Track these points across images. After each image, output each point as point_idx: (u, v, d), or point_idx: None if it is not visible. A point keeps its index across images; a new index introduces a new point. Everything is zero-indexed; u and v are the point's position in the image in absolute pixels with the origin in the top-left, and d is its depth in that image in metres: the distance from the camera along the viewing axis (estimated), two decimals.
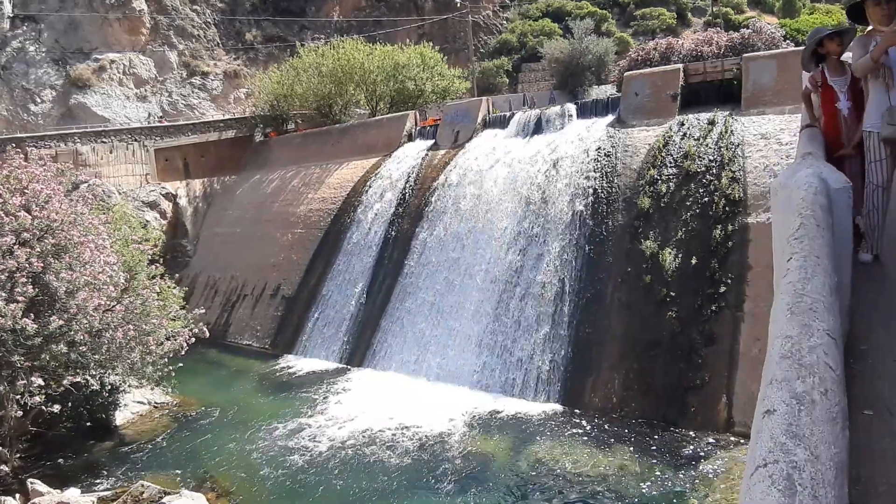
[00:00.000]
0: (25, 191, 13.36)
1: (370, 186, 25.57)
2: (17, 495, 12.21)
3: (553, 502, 12.50)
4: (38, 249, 12.84)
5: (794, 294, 2.17)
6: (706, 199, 16.31)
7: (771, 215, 4.08)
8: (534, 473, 13.58)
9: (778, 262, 3.58)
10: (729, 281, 14.79)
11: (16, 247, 12.23)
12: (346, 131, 30.13)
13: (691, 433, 13.89)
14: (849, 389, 2.92)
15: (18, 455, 13.78)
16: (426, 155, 25.10)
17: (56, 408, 14.87)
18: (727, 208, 15.76)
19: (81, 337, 13.22)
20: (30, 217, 12.80)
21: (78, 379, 14.57)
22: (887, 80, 4.47)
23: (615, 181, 18.60)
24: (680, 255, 15.87)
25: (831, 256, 2.51)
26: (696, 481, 12.37)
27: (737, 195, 15.78)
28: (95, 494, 12.76)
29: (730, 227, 15.39)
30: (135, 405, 18.07)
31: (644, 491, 12.30)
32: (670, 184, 17.14)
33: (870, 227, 4.50)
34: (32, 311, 12.46)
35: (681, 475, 12.66)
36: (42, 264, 12.75)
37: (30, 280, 12.38)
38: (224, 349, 25.28)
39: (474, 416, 16.57)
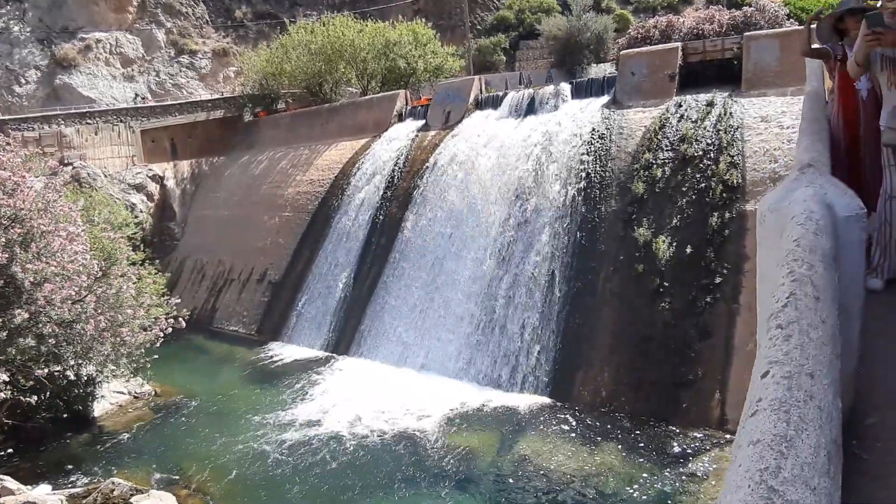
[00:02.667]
0: None
1: (359, 168, 24.88)
2: None
3: (537, 501, 12.08)
4: (4, 239, 12.27)
5: (775, 402, 1.61)
6: (703, 184, 15.63)
7: (757, 244, 3.26)
8: (518, 471, 13.15)
9: (763, 296, 2.96)
10: (725, 271, 14.20)
11: None
12: (336, 111, 29.34)
13: (683, 430, 13.41)
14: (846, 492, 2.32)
15: None
16: (416, 136, 24.38)
17: (32, 399, 14.44)
18: (724, 195, 15.09)
19: (51, 329, 12.73)
20: None
21: (51, 370, 14.08)
22: (889, 76, 3.84)
23: (609, 165, 17.93)
24: (674, 244, 15.26)
25: (832, 332, 1.90)
26: (687, 481, 11.92)
27: (735, 181, 15.10)
28: (66, 491, 12.37)
29: (727, 215, 14.75)
30: (114, 395, 17.63)
31: (632, 491, 11.86)
32: (666, 168, 16.45)
33: (881, 246, 3.79)
34: None
35: (671, 474, 12.21)
36: (7, 255, 12.19)
37: None
38: (210, 335, 24.85)
39: (460, 409, 16.13)
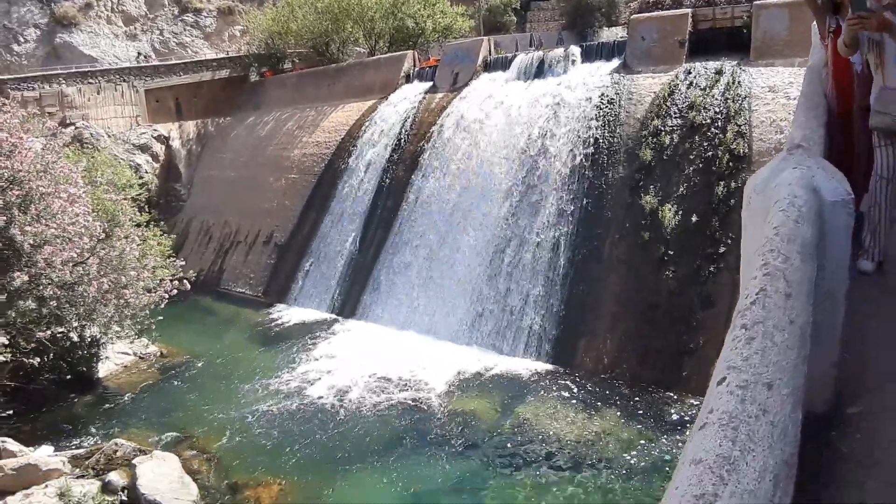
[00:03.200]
0: None
1: (365, 131, 24.57)
2: None
3: (537, 467, 12.15)
4: (2, 202, 12.19)
5: (738, 386, 1.47)
6: (710, 153, 15.33)
7: (742, 227, 3.08)
8: (519, 436, 13.22)
9: (743, 280, 2.82)
10: (729, 241, 13.98)
11: None
12: (343, 71, 28.85)
13: (683, 398, 13.40)
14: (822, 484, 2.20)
15: None
16: (423, 98, 23.96)
17: (35, 361, 14.54)
18: (731, 164, 14.81)
19: (51, 292, 12.73)
20: None
21: (54, 332, 14.16)
22: (875, 59, 3.67)
23: (617, 130, 17.56)
24: (680, 212, 15.02)
25: (801, 333, 1.75)
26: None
27: (741, 150, 14.82)
28: (69, 453, 12.55)
29: (732, 184, 14.47)
30: (119, 356, 17.80)
31: (630, 457, 11.90)
32: (674, 135, 16.11)
33: (872, 227, 3.64)
34: None
35: (669, 441, 12.25)
36: (5, 217, 12.12)
37: None
38: (217, 296, 24.99)
39: (462, 373, 16.19)
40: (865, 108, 3.93)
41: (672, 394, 13.58)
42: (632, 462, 11.71)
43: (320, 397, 15.44)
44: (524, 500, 11.16)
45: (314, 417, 14.54)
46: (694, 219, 14.75)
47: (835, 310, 2.60)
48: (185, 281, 16.32)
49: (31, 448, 12.36)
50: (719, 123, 15.76)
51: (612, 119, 17.89)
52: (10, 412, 14.01)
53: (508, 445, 12.87)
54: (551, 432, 13.01)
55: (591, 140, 17.92)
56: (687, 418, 12.86)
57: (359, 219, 22.63)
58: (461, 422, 13.94)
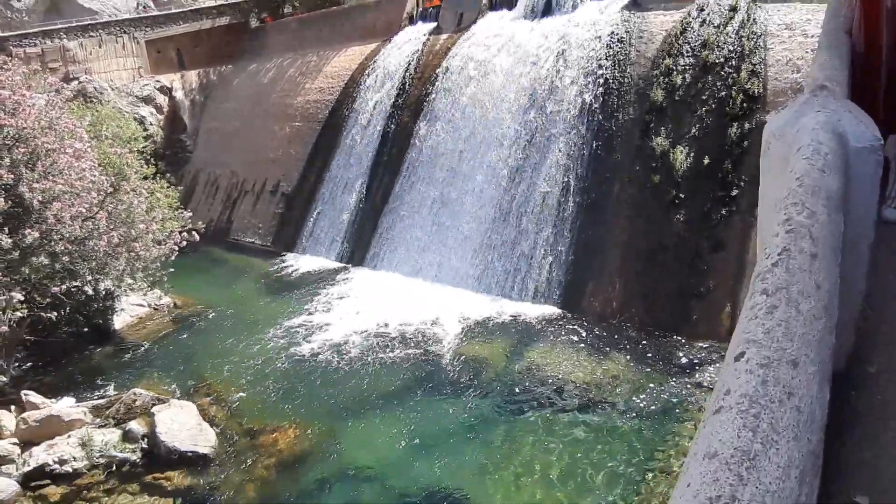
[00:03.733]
0: None
1: (368, 76, 24.09)
2: (13, 407, 12.31)
3: (546, 410, 12.34)
4: (9, 160, 12.15)
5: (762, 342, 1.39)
6: (723, 93, 14.89)
7: (761, 174, 2.85)
8: (527, 380, 13.38)
9: (763, 235, 2.69)
10: (742, 184, 13.74)
11: None
12: (344, 14, 28.11)
13: (691, 342, 13.45)
14: (839, 446, 2.12)
15: (17, 364, 13.85)
16: (427, 40, 23.35)
17: (52, 315, 14.78)
18: (745, 104, 14.40)
19: (63, 247, 12.81)
20: None
21: (68, 287, 14.32)
22: None
23: (628, 70, 17.09)
24: (692, 155, 14.73)
25: (828, 300, 1.61)
26: (693, 391, 12.07)
27: (756, 90, 14.37)
28: (90, 403, 12.86)
29: (746, 126, 14.12)
30: (133, 308, 18.05)
31: (638, 400, 12.04)
32: (686, 75, 15.65)
33: None
34: (8, 224, 12.01)
35: (677, 384, 12.35)
36: (13, 176, 12.09)
37: (2, 193, 11.79)
38: (227, 247, 25.13)
39: (471, 318, 16.32)
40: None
41: (680, 337, 13.64)
42: (640, 405, 11.85)
43: (332, 344, 15.65)
44: (533, 443, 11.38)
45: (327, 364, 14.78)
46: (706, 161, 14.47)
47: (858, 263, 2.45)
48: (193, 232, 16.34)
49: (52, 400, 12.69)
50: (733, 63, 15.27)
51: (622, 58, 17.39)
52: (30, 365, 14.35)
53: (518, 390, 13.05)
54: (560, 376, 13.17)
55: (601, 80, 17.48)
56: (696, 361, 12.95)
57: (365, 166, 22.44)
58: (471, 367, 14.12)
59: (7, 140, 12.34)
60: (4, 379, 13.35)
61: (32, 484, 10.70)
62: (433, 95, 21.35)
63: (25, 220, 12.35)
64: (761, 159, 2.77)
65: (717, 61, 15.40)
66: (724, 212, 13.89)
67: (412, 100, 21.99)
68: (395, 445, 11.82)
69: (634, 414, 11.65)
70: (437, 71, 21.75)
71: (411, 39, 24.03)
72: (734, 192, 13.86)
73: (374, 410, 12.90)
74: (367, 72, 24.18)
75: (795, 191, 2.02)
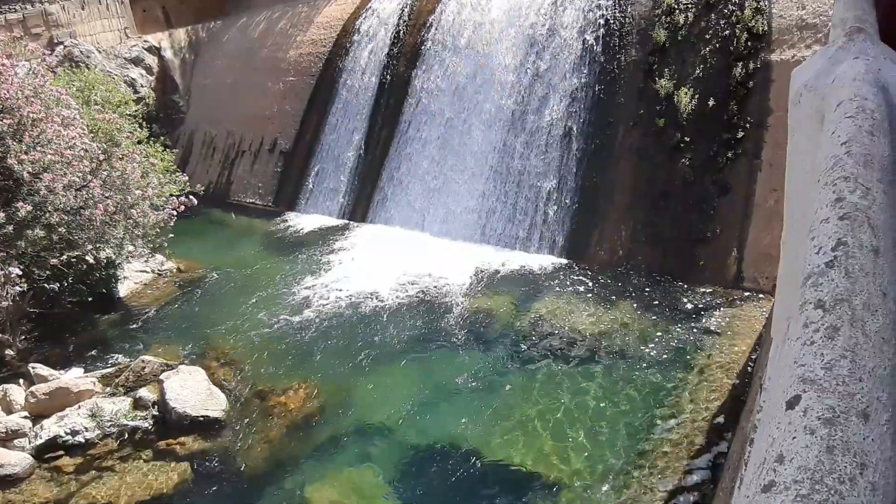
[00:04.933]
0: None
1: (361, 25, 23.33)
2: (21, 381, 12.35)
3: (553, 360, 12.35)
4: None
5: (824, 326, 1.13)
6: (727, 32, 14.32)
7: (790, 130, 2.44)
8: (534, 331, 13.36)
9: (793, 212, 2.41)
10: (748, 126, 13.34)
11: None
12: None
13: (698, 287, 13.33)
14: None
15: (23, 338, 13.82)
16: None
17: (55, 286, 14.72)
18: (749, 43, 13.85)
19: (58, 218, 12.62)
20: None
21: (68, 257, 14.22)
22: None
23: (629, 10, 16.44)
24: (697, 96, 14.27)
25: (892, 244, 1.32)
26: (700, 337, 12.01)
27: (760, 28, 13.81)
28: (98, 372, 12.90)
29: (751, 65, 13.61)
30: (137, 275, 17.98)
31: (646, 348, 12.01)
32: (689, 14, 15.02)
33: None
34: (0, 198, 11.80)
35: (685, 330, 12.30)
36: (1, 148, 11.81)
37: None
38: (228, 208, 24.92)
39: (477, 271, 16.23)
40: None
41: (687, 284, 13.52)
42: (648, 352, 11.82)
43: (337, 302, 15.62)
44: (542, 393, 11.41)
45: (332, 322, 14.77)
46: (711, 103, 14.03)
47: None
48: (190, 196, 16.09)
49: (60, 371, 12.72)
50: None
51: None
52: (37, 337, 14.34)
53: (525, 341, 13.03)
54: (567, 326, 13.12)
55: (602, 21, 16.85)
56: (702, 306, 12.86)
57: (362, 119, 21.97)
58: (477, 320, 14.10)
59: None
60: (11, 352, 13.36)
61: (46, 456, 10.80)
62: (428, 43, 20.70)
63: (17, 193, 12.12)
64: (790, 114, 2.44)
65: None
66: (729, 155, 13.54)
67: (407, 48, 21.35)
68: (404, 400, 11.89)
69: (643, 361, 11.63)
70: (431, 16, 21.03)
71: None
72: (740, 135, 13.46)
73: (383, 367, 12.95)
74: (359, 21, 23.41)
75: (843, 160, 1.65)
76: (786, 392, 1.11)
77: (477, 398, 11.66)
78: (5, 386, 12.05)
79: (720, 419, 9.64)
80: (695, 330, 12.17)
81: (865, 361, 1.11)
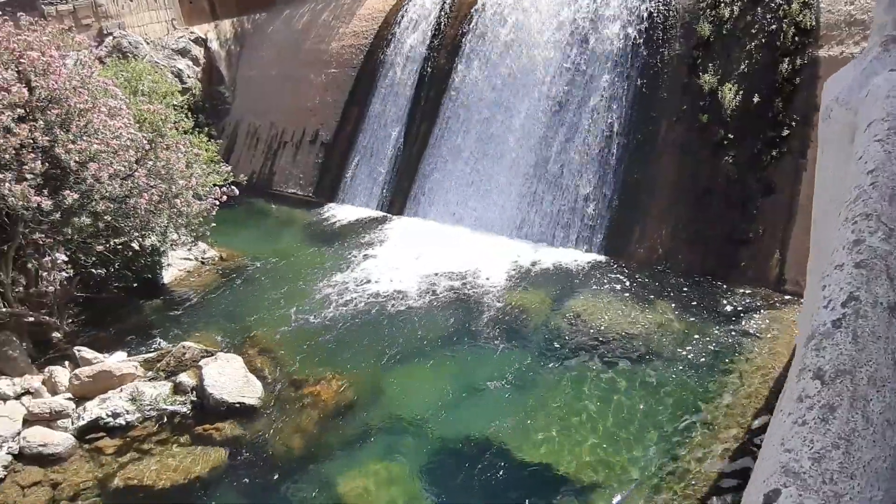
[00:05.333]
0: (21, 60, 12.47)
1: (403, 16, 23.33)
2: (67, 363, 12.83)
3: (588, 359, 12.21)
4: (43, 122, 12.25)
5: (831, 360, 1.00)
6: (773, 26, 13.79)
7: (819, 147, 2.22)
8: (570, 330, 13.22)
9: (821, 230, 2.26)
10: (793, 123, 12.87)
11: (13, 123, 11.62)
12: None
13: (739, 289, 12.98)
14: None
15: (70, 321, 14.33)
16: None
17: (101, 271, 15.23)
18: (796, 38, 13.32)
19: (104, 206, 13.00)
20: (26, 90, 12.04)
21: (114, 244, 14.68)
22: None
23: (673, 3, 16.02)
24: (741, 92, 13.84)
25: None
26: (740, 340, 11.70)
27: (808, 23, 13.26)
28: (141, 357, 13.31)
29: (798, 61, 13.09)
30: (181, 262, 18.45)
31: (683, 351, 11.77)
32: (734, 7, 14.52)
33: None
34: (48, 186, 12.22)
35: (724, 334, 11.99)
36: (48, 138, 12.21)
37: (39, 156, 11.95)
38: (270, 198, 25.32)
39: (514, 267, 16.14)
40: None
41: (727, 284, 13.18)
42: (685, 355, 11.58)
43: (374, 295, 15.75)
44: (575, 394, 11.30)
45: (368, 314, 14.90)
46: (756, 99, 13.58)
47: None
48: (232, 187, 16.40)
49: (105, 354, 13.16)
50: None
51: None
52: (84, 320, 14.87)
53: (560, 339, 12.91)
54: (603, 326, 12.95)
55: (645, 14, 16.47)
56: (742, 309, 12.53)
57: (402, 112, 22.02)
58: (512, 316, 14.03)
59: (40, 101, 12.42)
60: (58, 335, 13.89)
61: (88, 437, 11.21)
62: (469, 35, 20.58)
63: (65, 181, 12.52)
64: (819, 130, 2.28)
65: None
66: (774, 153, 13.10)
67: (448, 40, 21.27)
68: (435, 395, 11.93)
69: (679, 364, 11.40)
70: (473, 7, 20.89)
71: None
72: (785, 133, 13.00)
73: (415, 361, 13.01)
74: (401, 12, 23.42)
75: (867, 193, 1.46)
76: (766, 482, 0.97)
77: (508, 396, 11.62)
78: (51, 368, 12.55)
79: (756, 427, 9.39)
80: (733, 333, 11.87)
81: (862, 453, 0.97)
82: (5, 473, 10.45)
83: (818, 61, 13.01)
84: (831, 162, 2.05)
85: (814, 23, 13.31)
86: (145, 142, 14.29)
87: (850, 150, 1.80)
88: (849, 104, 1.98)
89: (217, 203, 16.21)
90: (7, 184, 11.30)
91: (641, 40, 16.32)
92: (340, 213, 22.37)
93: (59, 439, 10.95)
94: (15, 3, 27.06)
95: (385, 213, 21.25)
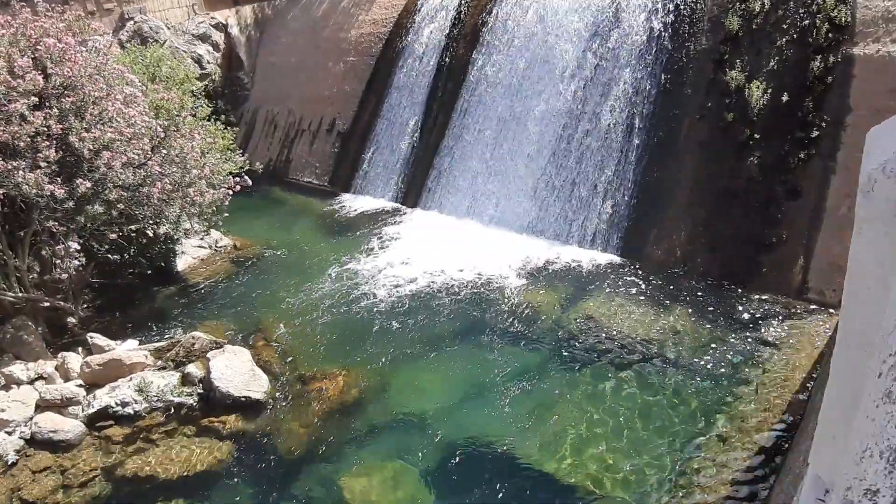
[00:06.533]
0: (38, 47, 12.39)
1: (423, 4, 22.97)
2: (80, 349, 12.90)
3: (599, 364, 11.95)
4: (57, 110, 12.19)
5: None
6: (806, 21, 13.23)
7: (856, 226, 1.66)
8: (582, 331, 12.95)
9: (854, 312, 1.90)
10: (823, 124, 12.36)
11: (28, 111, 11.56)
12: None
13: (759, 295, 12.58)
14: None
15: (85, 306, 14.39)
16: None
17: (116, 258, 15.26)
18: (830, 35, 12.75)
19: (117, 195, 12.94)
20: (41, 77, 11.97)
21: (128, 231, 14.67)
22: None
23: None
24: (770, 90, 13.34)
25: None
26: (757, 350, 11.34)
27: (843, 19, 12.69)
28: (152, 345, 13.29)
29: (831, 59, 12.53)
30: (195, 250, 18.44)
31: (699, 358, 11.44)
32: (765, 1, 13.97)
33: None
34: (62, 174, 12.18)
35: (742, 342, 11.64)
36: (62, 126, 12.13)
37: (53, 144, 11.90)
38: (286, 186, 25.26)
39: (527, 264, 15.88)
40: None
41: (747, 291, 12.78)
42: (701, 363, 11.26)
43: (382, 290, 15.58)
44: (586, 398, 11.05)
45: (379, 309, 14.75)
46: (785, 98, 13.07)
47: None
48: (245, 177, 16.30)
49: (117, 342, 13.20)
50: None
51: None
52: (99, 305, 14.94)
53: (572, 342, 12.65)
54: (617, 329, 12.66)
55: (671, 6, 15.97)
56: (761, 316, 12.16)
57: (419, 103, 21.73)
58: (525, 315, 13.79)
59: (56, 89, 12.34)
60: (73, 320, 13.95)
61: (97, 425, 11.27)
62: (490, 24, 20.19)
63: (78, 169, 12.47)
64: (858, 205, 1.85)
65: None
66: (802, 155, 12.61)
67: (468, 30, 20.90)
68: (444, 393, 11.76)
69: (694, 373, 11.09)
70: None
71: None
72: (814, 134, 12.50)
73: (424, 359, 12.84)
74: (420, 0, 23.07)
75: None
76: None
77: (517, 398, 11.41)
78: (64, 354, 12.60)
79: (769, 443, 9.07)
80: (751, 340, 11.51)
81: None
82: (17, 458, 10.59)
83: (853, 59, 12.46)
84: (871, 252, 1.64)
85: (849, 18, 12.75)
86: (160, 129, 14.19)
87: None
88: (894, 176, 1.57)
89: (230, 193, 16.14)
90: (21, 171, 11.27)
91: (667, 34, 15.85)
92: (355, 203, 22.21)
93: (69, 426, 11.03)
94: None
95: (399, 205, 21.04)
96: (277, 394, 12.21)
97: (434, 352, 12.96)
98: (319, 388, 12.36)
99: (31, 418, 11.18)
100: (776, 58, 13.44)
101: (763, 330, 11.68)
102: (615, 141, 16.17)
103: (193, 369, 12.37)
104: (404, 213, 20.49)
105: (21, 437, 10.84)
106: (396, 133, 22.10)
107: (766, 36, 13.77)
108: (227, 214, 16.64)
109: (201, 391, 11.99)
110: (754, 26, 14.01)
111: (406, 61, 22.59)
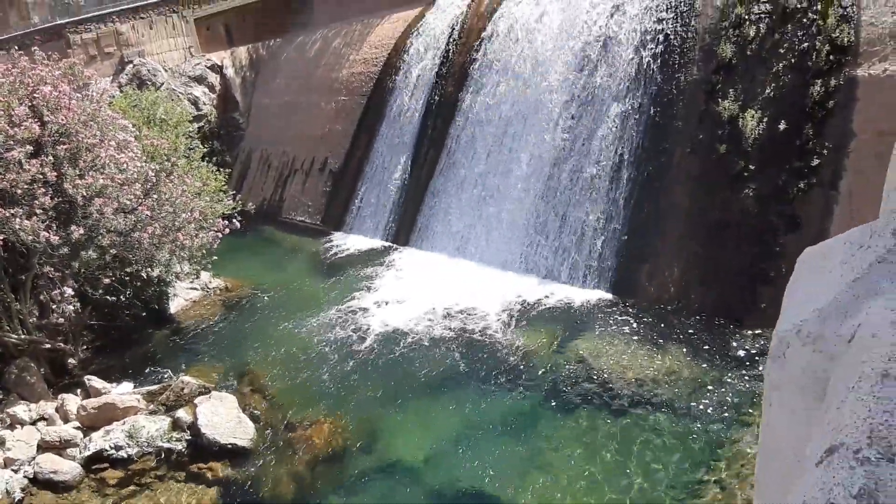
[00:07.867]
0: (34, 95, 12.54)
1: (412, 44, 23.11)
2: (79, 390, 13.09)
3: (592, 407, 11.53)
4: (52, 157, 12.30)
5: None
6: (805, 44, 12.95)
7: (765, 393, 1.30)
8: (575, 372, 12.57)
9: (765, 490, 1.56)
10: (825, 152, 12.00)
11: (25, 159, 11.70)
12: None
13: (757, 332, 12.18)
14: None
15: (85, 347, 14.55)
16: (472, 1, 22.09)
17: (112, 299, 15.30)
18: (831, 56, 12.41)
19: (110, 240, 12.99)
20: (38, 126, 12.09)
21: (122, 274, 14.75)
22: None
23: (692, 23, 15.40)
24: (766, 119, 13.06)
25: None
26: (755, 389, 10.92)
27: (846, 39, 12.31)
28: (145, 389, 13.35)
29: (832, 82, 12.16)
30: (187, 292, 18.31)
31: (695, 399, 11.04)
32: (761, 25, 13.70)
33: None
34: (58, 220, 12.27)
35: (738, 382, 11.24)
36: (57, 174, 12.23)
37: (49, 191, 12.00)
38: (279, 226, 25.19)
39: (518, 303, 15.57)
40: None
41: (745, 327, 12.40)
42: (697, 405, 10.86)
43: (371, 332, 15.32)
44: (579, 442, 10.66)
45: (368, 352, 14.45)
46: (781, 126, 12.76)
47: None
48: (234, 220, 16.26)
49: (113, 384, 13.38)
50: (818, 6, 13.12)
51: (685, 9, 15.68)
52: (97, 346, 15.02)
53: (565, 383, 12.27)
54: (610, 370, 12.27)
55: (661, 36, 15.88)
56: (755, 352, 11.80)
57: (409, 141, 21.71)
58: (515, 357, 13.43)
59: (52, 136, 12.46)
60: (73, 361, 14.11)
61: (93, 467, 11.45)
62: (478, 62, 20.23)
63: (72, 215, 12.57)
64: (767, 370, 1.42)
65: (798, 6, 13.42)
66: (801, 185, 12.25)
67: (456, 68, 20.94)
68: (432, 441, 11.43)
69: (691, 415, 10.68)
70: (481, 35, 20.57)
71: (455, 2, 22.83)
72: (815, 162, 12.12)
73: (413, 403, 12.51)
74: (410, 39, 23.22)
75: None
76: None
77: (511, 442, 11.06)
78: (63, 396, 12.77)
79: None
80: (749, 379, 11.11)
81: None
82: (22, 496, 10.91)
83: (856, 81, 12.09)
84: (784, 423, 1.33)
85: (852, 38, 12.38)
86: (152, 174, 14.21)
87: (815, 415, 1.21)
88: (824, 339, 1.28)
89: (220, 236, 16.06)
90: (18, 219, 11.44)
91: (656, 65, 15.75)
92: (347, 242, 22.04)
93: (67, 467, 11.29)
94: (43, 32, 27.63)
95: (391, 244, 20.85)
96: (264, 442, 11.96)
97: (423, 397, 12.63)
98: (306, 437, 12.05)
99: (33, 458, 11.57)
100: (772, 84, 13.16)
101: (762, 368, 11.26)
102: (604, 176, 15.97)
103: (183, 414, 12.37)
104: (395, 252, 20.28)
105: (25, 476, 11.25)
106: (387, 171, 22.04)
107: (762, 62, 13.53)
108: (215, 258, 16.57)
109: (189, 437, 12.02)
110: (749, 52, 13.80)
111: (396, 100, 22.66)
